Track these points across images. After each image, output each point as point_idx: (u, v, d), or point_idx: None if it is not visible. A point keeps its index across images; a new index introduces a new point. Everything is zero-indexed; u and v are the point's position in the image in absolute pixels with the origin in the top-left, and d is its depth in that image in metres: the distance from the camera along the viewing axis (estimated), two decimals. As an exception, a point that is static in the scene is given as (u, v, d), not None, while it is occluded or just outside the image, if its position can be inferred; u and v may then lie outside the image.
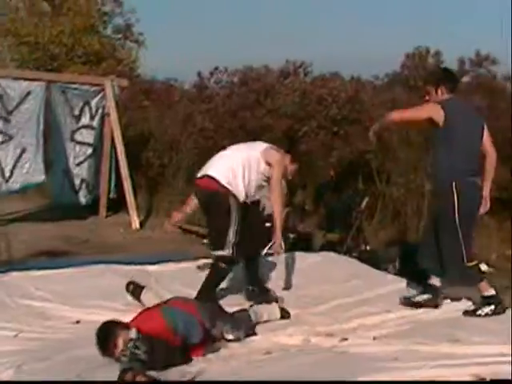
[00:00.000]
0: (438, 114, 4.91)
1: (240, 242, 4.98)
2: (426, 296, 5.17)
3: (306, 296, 5.49)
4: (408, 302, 5.20)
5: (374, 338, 4.49)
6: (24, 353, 4.02)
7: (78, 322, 4.71)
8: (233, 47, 27.96)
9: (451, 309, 5.18)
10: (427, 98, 5.17)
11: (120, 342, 3.83)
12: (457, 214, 4.89)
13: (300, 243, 7.65)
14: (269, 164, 5.17)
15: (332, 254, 7.06)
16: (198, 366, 3.97)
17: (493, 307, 5.00)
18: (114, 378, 3.60)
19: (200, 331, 4.20)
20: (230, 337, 4.39)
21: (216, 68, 11.59)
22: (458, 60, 9.77)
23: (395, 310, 5.11)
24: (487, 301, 5.04)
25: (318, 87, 10.27)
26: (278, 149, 5.35)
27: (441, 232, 5.03)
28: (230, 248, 4.95)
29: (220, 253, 4.98)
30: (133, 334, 3.88)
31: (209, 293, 5.04)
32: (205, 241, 8.77)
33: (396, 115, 5.11)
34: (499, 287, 6.47)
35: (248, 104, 10.53)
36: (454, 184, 4.90)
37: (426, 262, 5.16)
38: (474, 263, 5.04)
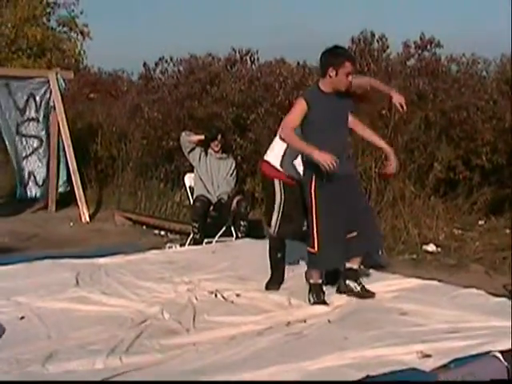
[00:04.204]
0: None
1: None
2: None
3: (257, 284, 5.48)
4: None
5: (329, 321, 4.54)
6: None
7: (22, 317, 4.64)
8: (178, 37, 27.80)
9: (399, 287, 5.29)
10: None
11: None
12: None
13: (251, 231, 7.67)
14: None
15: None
16: (166, 353, 3.92)
17: (315, 295, 4.90)
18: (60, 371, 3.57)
19: None
20: None
21: (161, 58, 11.51)
22: (403, 43, 9.82)
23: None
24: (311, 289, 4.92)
25: (265, 74, 10.26)
26: None
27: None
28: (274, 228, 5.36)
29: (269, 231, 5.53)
30: None
31: (274, 267, 5.44)
32: (156, 231, 8.76)
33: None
34: (446, 266, 6.66)
35: (195, 93, 10.49)
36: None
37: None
38: (317, 250, 4.77)
